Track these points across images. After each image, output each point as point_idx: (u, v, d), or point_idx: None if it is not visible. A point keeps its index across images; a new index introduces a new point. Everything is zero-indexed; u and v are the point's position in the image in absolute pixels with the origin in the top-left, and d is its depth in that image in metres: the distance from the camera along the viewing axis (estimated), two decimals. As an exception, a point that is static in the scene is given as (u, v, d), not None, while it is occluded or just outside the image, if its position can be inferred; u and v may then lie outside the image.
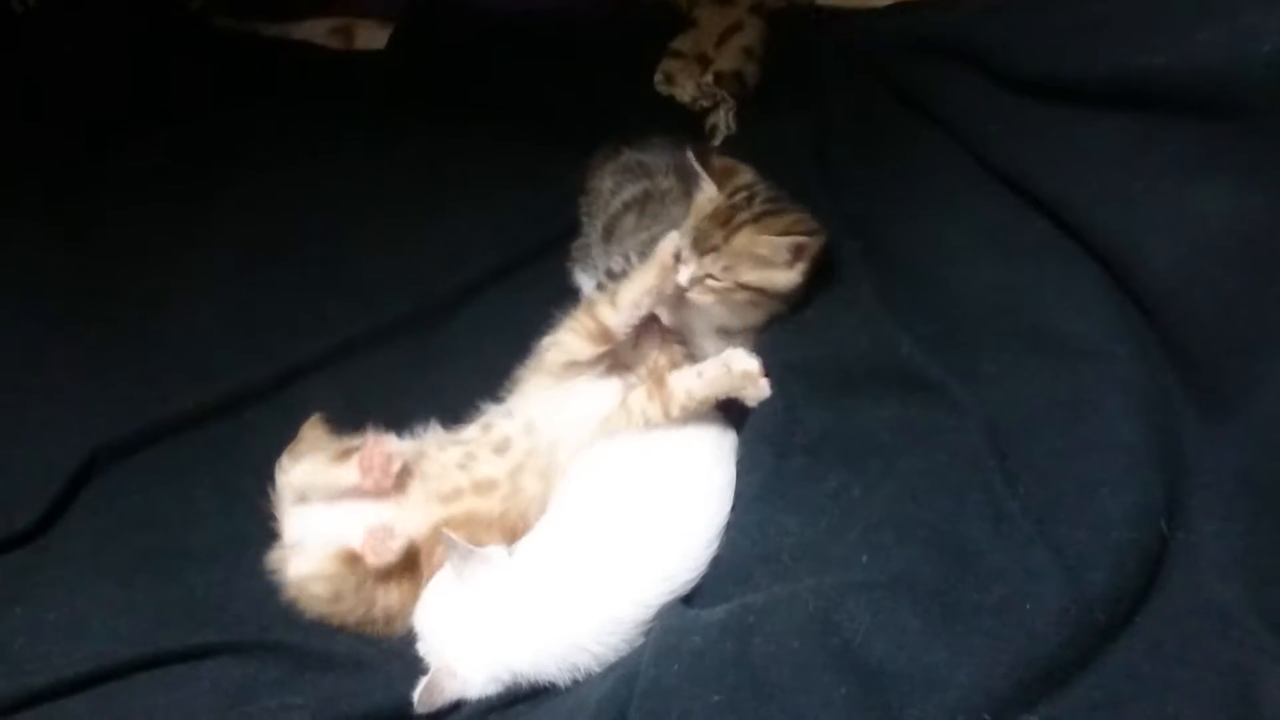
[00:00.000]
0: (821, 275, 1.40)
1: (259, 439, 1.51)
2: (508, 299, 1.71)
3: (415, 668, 1.18)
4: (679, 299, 1.39)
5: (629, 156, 1.72)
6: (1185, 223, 1.10)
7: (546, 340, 1.42)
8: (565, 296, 1.70)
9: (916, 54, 1.57)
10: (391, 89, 2.19)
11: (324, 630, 1.26)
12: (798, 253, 1.34)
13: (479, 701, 1.15)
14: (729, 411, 1.35)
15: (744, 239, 1.33)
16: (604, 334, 1.37)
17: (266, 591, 1.30)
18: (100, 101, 2.17)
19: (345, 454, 1.32)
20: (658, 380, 1.32)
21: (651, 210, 1.62)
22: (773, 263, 1.34)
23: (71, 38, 2.28)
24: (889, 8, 1.89)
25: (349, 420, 1.50)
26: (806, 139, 1.70)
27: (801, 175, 1.62)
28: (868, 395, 1.26)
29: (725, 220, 1.35)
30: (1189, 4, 1.18)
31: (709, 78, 2.00)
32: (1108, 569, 0.97)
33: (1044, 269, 1.22)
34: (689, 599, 1.18)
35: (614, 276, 1.54)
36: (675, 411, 1.29)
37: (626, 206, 1.65)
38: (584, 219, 1.76)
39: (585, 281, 1.69)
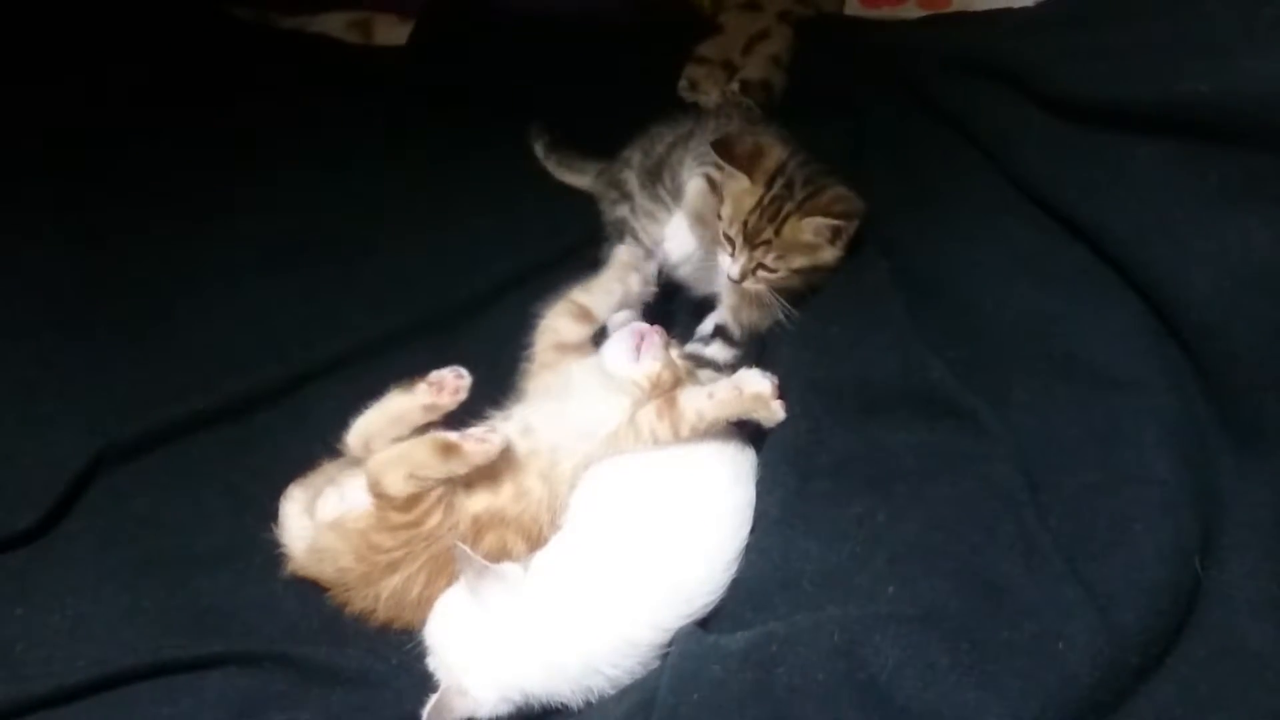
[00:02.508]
0: (852, 292, 1.41)
1: (270, 442, 1.50)
2: (525, 305, 1.67)
3: (424, 683, 1.16)
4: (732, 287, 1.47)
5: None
6: (1226, 253, 1.08)
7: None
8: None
9: (953, 69, 1.55)
10: (410, 87, 2.17)
11: (332, 642, 1.24)
12: (838, 233, 1.40)
13: (489, 721, 1.14)
14: (747, 429, 1.33)
15: (792, 229, 1.39)
16: (586, 313, 1.44)
17: (275, 600, 1.29)
18: (113, 95, 2.15)
19: (410, 384, 1.31)
20: (668, 400, 1.29)
21: (696, 145, 1.63)
22: (818, 245, 1.41)
23: (85, 30, 2.26)
24: (922, 20, 1.87)
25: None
26: (834, 153, 1.68)
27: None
28: (895, 418, 1.24)
29: (774, 214, 1.40)
30: (1234, 29, 1.16)
31: (735, 85, 1.98)
32: (1141, 608, 0.95)
33: (1079, 296, 1.20)
34: (706, 623, 1.15)
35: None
36: (685, 432, 1.27)
37: (671, 146, 1.68)
38: (613, 187, 1.76)
39: None
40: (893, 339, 1.31)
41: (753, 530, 1.21)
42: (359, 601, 1.26)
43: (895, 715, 0.92)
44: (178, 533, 1.39)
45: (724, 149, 1.44)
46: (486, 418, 1.36)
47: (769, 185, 1.41)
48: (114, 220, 1.88)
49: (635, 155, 1.75)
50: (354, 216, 1.89)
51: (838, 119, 1.79)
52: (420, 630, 1.21)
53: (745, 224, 1.40)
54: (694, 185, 1.54)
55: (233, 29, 2.40)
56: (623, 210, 1.71)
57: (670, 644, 1.12)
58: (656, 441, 1.28)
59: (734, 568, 1.18)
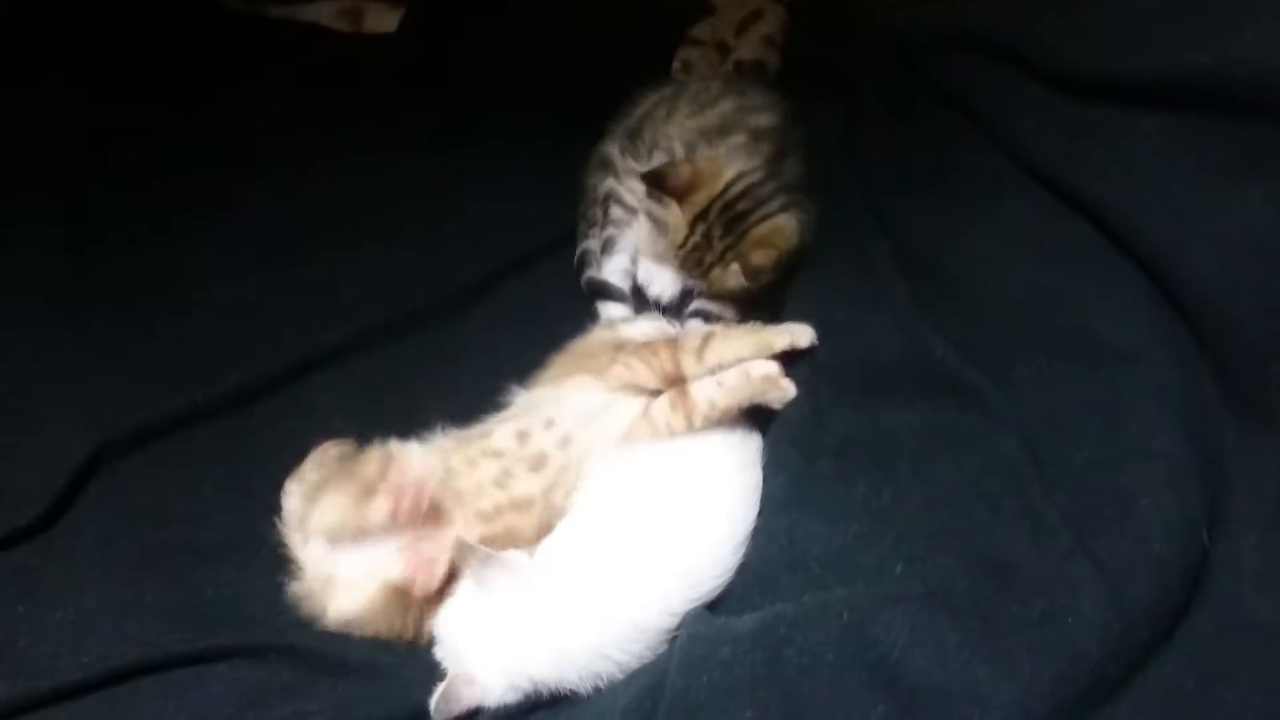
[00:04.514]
0: (853, 271, 1.41)
1: (270, 433, 1.49)
2: (523, 292, 1.68)
3: (432, 672, 1.15)
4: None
5: None
6: (1229, 225, 1.07)
7: (591, 347, 1.41)
8: (581, 289, 1.68)
9: (951, 46, 1.53)
10: (403, 75, 2.16)
11: (338, 634, 1.24)
12: (759, 273, 1.41)
13: (497, 709, 1.13)
14: (753, 413, 1.32)
15: (717, 276, 1.45)
16: (677, 379, 1.32)
17: (279, 592, 1.27)
18: (104, 85, 2.13)
19: (368, 492, 1.27)
20: (680, 391, 1.28)
21: (686, 102, 1.65)
22: (757, 278, 1.43)
23: (76, 24, 2.24)
24: (918, -4, 1.85)
25: (361, 415, 1.48)
26: (833, 132, 1.67)
27: (828, 171, 1.59)
28: (897, 398, 1.23)
29: (697, 263, 1.47)
30: (1235, 1, 1.15)
31: (729, 67, 1.97)
32: (1149, 582, 0.95)
33: (1081, 272, 1.19)
34: (714, 606, 1.15)
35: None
36: (699, 422, 1.26)
37: (655, 104, 1.70)
38: (599, 169, 1.74)
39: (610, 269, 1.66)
40: (895, 319, 1.30)
41: (759, 513, 1.21)
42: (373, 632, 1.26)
43: (906, 694, 0.92)
44: (180, 526, 1.39)
45: (658, 181, 1.46)
46: (512, 410, 1.37)
47: (691, 229, 1.45)
48: (108, 214, 1.86)
49: (615, 127, 1.76)
50: (349, 206, 1.88)
51: (833, 99, 1.78)
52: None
53: (679, 260, 1.46)
54: (641, 228, 1.59)
55: (224, 20, 2.38)
56: (609, 182, 1.69)
57: (678, 628, 1.12)
58: (672, 433, 1.27)
59: (741, 551, 1.17)
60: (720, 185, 1.46)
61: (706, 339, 1.32)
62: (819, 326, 1.33)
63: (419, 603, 1.23)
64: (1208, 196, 1.09)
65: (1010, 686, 0.90)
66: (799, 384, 1.28)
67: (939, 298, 1.30)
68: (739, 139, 1.56)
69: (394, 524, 1.25)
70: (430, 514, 1.27)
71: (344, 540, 1.27)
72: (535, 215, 1.78)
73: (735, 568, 1.17)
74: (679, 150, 1.59)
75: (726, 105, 1.64)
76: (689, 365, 1.31)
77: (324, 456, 1.39)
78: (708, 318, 1.54)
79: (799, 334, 1.31)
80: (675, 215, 1.47)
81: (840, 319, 1.35)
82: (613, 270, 1.64)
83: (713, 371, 1.29)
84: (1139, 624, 0.93)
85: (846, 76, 1.80)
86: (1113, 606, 0.93)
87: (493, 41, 2.16)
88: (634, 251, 1.64)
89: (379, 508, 1.25)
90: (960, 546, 1.04)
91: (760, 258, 1.41)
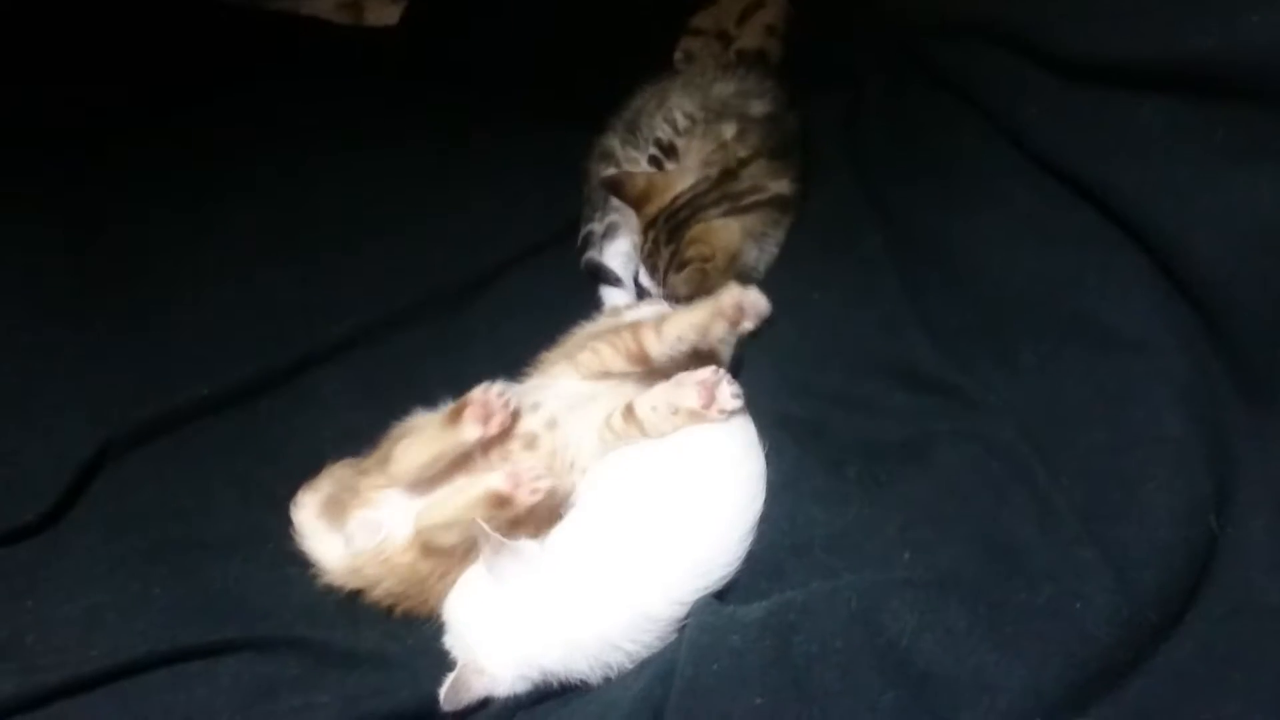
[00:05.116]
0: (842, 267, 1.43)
1: (275, 427, 1.50)
2: (526, 282, 1.68)
3: (441, 663, 1.16)
4: None
5: None
6: (1234, 210, 1.07)
7: (583, 336, 1.40)
8: (584, 278, 1.68)
9: (953, 33, 1.53)
10: (404, 68, 2.15)
11: (347, 625, 1.24)
12: (702, 273, 1.45)
13: (507, 699, 1.13)
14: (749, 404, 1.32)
15: (673, 282, 1.48)
16: (643, 358, 1.35)
17: (287, 584, 1.28)
18: (106, 85, 2.12)
19: (452, 416, 1.28)
20: (628, 408, 1.29)
21: (678, 90, 1.69)
22: (699, 281, 1.45)
23: (76, 20, 2.23)
24: (920, -18, 1.85)
25: (366, 407, 1.48)
26: (835, 122, 1.67)
27: (828, 161, 1.60)
28: (884, 390, 1.25)
29: (654, 269, 1.52)
30: (1238, -16, 1.14)
31: (730, 56, 1.97)
32: (1157, 567, 0.95)
33: (1086, 258, 1.19)
34: (722, 595, 1.15)
35: (663, 147, 1.65)
36: (650, 431, 1.27)
37: (651, 95, 1.74)
38: (600, 159, 1.76)
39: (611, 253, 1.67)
40: (881, 314, 1.32)
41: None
42: (409, 606, 1.26)
43: (916, 680, 0.92)
44: (186, 520, 1.39)
45: (615, 188, 1.53)
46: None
47: (645, 236, 1.51)
48: (110, 209, 1.87)
49: (614, 120, 1.78)
50: (352, 199, 1.88)
51: (836, 88, 1.78)
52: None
53: (644, 266, 1.53)
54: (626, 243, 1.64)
55: (223, 14, 2.38)
56: (610, 171, 1.70)
57: (688, 617, 1.11)
58: (629, 439, 1.28)
59: (749, 539, 1.17)
60: (668, 199, 1.51)
61: (664, 316, 1.36)
62: (803, 316, 1.35)
63: (516, 516, 1.23)
64: (1213, 180, 1.09)
65: (1019, 672, 0.90)
66: (773, 370, 1.31)
67: (942, 286, 1.30)
68: (730, 126, 1.57)
69: (486, 439, 1.27)
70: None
71: (422, 485, 1.28)
72: (538, 207, 1.78)
73: (743, 555, 1.17)
74: (669, 135, 1.63)
75: (724, 89, 1.65)
76: (650, 342, 1.33)
77: (337, 470, 1.39)
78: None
79: (746, 294, 1.34)
80: (634, 222, 1.54)
81: (822, 310, 1.36)
82: (614, 254, 1.66)
83: (674, 346, 1.32)
84: (1147, 609, 0.93)
85: (848, 65, 1.80)
86: (1121, 591, 0.93)
87: (494, 34, 2.15)
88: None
89: (466, 425, 1.26)
90: (967, 532, 1.04)
91: (693, 252, 1.44)
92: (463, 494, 1.23)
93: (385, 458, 1.33)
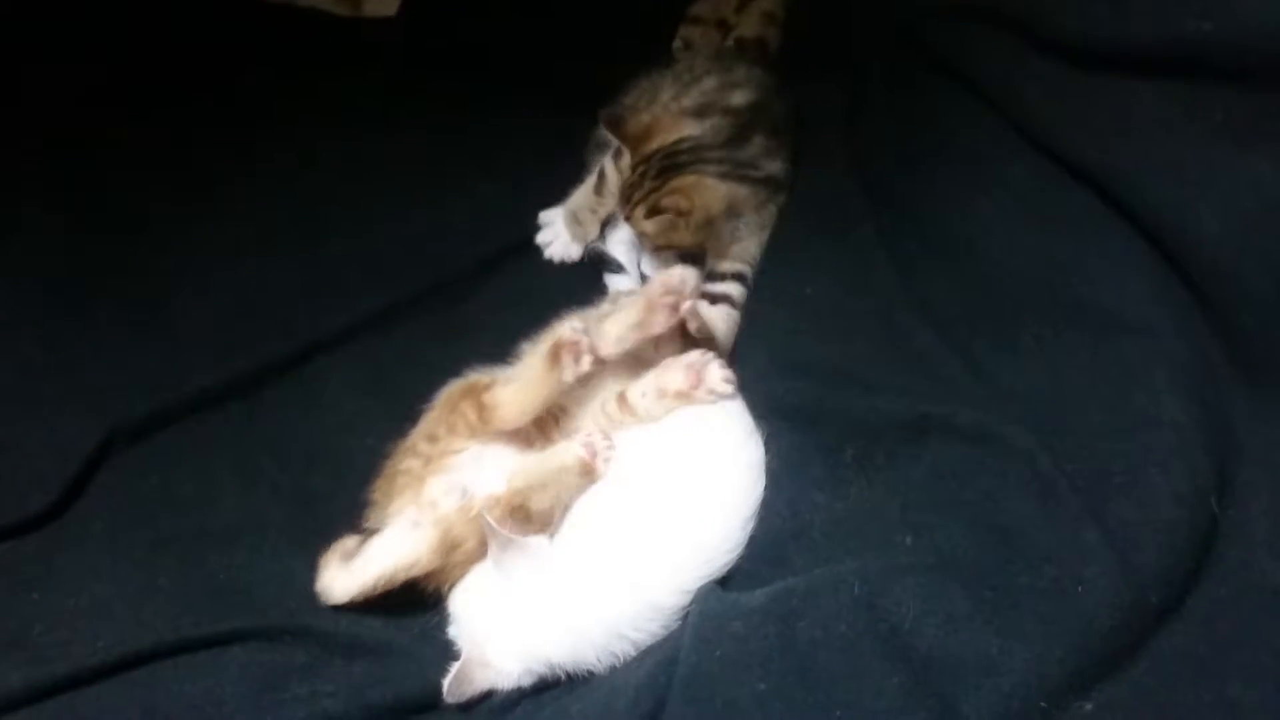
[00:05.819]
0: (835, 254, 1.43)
1: (279, 417, 1.50)
2: (528, 273, 1.68)
3: (446, 652, 1.17)
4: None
5: None
6: (1234, 192, 1.07)
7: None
8: (586, 267, 1.68)
9: (952, 17, 1.52)
10: (404, 57, 2.15)
11: (352, 614, 1.24)
12: (673, 224, 1.44)
13: (511, 690, 1.14)
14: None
15: (637, 216, 1.48)
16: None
17: (291, 574, 1.29)
18: (106, 78, 2.12)
19: (550, 359, 1.28)
20: (620, 398, 1.31)
21: (669, 84, 1.69)
22: (666, 229, 1.46)
23: (72, 9, 2.23)
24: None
25: (368, 396, 1.49)
26: (834, 109, 1.67)
27: (826, 146, 1.59)
28: (876, 380, 1.24)
29: (626, 200, 1.51)
30: (1236, -34, 1.14)
31: (729, 44, 1.96)
32: (1159, 549, 0.95)
33: (1086, 241, 1.19)
34: (724, 582, 1.16)
35: None
36: (641, 414, 1.29)
37: (641, 93, 1.73)
38: (595, 149, 1.75)
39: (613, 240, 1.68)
40: (879, 300, 1.32)
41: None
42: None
43: (919, 664, 0.93)
44: (191, 511, 1.40)
45: (616, 124, 1.52)
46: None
47: (633, 170, 1.49)
48: (112, 201, 1.86)
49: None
50: (351, 189, 1.87)
51: (835, 74, 1.77)
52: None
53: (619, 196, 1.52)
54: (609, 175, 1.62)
55: (223, 5, 2.37)
56: (604, 161, 1.69)
57: (691, 604, 1.12)
58: (623, 425, 1.30)
59: (751, 524, 1.18)
60: (672, 138, 1.50)
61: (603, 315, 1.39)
62: (799, 302, 1.35)
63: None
64: (1212, 162, 1.09)
65: (1022, 655, 0.91)
66: (768, 357, 1.31)
67: (942, 271, 1.30)
68: (714, 120, 1.57)
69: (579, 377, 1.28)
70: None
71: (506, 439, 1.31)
72: (538, 196, 1.78)
73: (745, 541, 1.17)
74: None
75: (709, 83, 1.65)
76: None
77: (347, 542, 1.33)
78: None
79: (678, 273, 1.34)
80: (625, 162, 1.54)
81: (823, 296, 1.37)
82: (616, 242, 1.65)
83: (619, 337, 1.33)
84: (1149, 591, 0.93)
85: (846, 51, 1.79)
86: (1123, 574, 0.94)
87: (494, 23, 2.14)
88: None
89: (567, 368, 1.27)
90: (969, 516, 1.05)
91: (669, 202, 1.44)
92: (555, 457, 1.25)
93: (433, 433, 1.33)
